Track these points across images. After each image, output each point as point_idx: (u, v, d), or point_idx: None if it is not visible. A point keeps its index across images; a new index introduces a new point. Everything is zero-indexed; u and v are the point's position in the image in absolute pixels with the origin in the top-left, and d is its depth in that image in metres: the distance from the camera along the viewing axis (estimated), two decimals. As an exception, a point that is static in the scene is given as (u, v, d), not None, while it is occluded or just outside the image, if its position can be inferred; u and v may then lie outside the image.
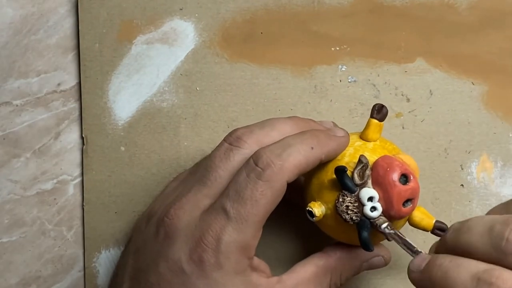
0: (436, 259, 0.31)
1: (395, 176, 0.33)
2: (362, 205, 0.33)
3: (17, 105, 0.41)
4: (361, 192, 0.33)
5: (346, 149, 0.35)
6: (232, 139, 0.34)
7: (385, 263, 0.37)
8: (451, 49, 0.41)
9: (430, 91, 0.42)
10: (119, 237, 0.41)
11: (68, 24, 0.41)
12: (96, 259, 0.41)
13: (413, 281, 0.32)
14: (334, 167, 0.33)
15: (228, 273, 0.31)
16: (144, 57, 0.42)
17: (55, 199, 0.41)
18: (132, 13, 0.41)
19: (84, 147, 0.41)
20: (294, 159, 0.32)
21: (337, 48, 0.42)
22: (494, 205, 0.41)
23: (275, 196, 0.32)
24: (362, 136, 0.36)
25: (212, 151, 0.35)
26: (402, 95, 0.42)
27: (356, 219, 0.33)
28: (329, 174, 0.34)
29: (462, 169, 0.41)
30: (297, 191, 0.36)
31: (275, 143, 0.33)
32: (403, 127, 0.41)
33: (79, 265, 0.41)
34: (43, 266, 0.41)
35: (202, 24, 0.42)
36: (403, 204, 0.33)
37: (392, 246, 0.36)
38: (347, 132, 0.36)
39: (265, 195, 0.31)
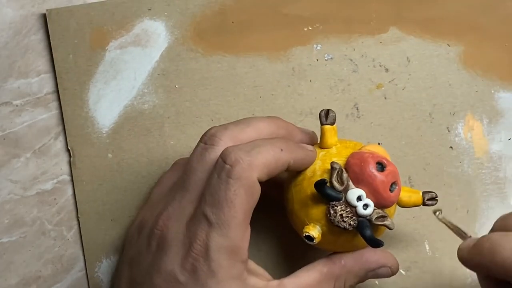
0: (484, 236, 0.31)
1: (372, 167, 0.33)
2: (353, 207, 0.32)
3: (17, 105, 0.41)
4: (348, 195, 0.32)
5: (314, 163, 0.35)
6: (206, 138, 0.34)
7: (392, 274, 0.36)
8: (422, 14, 0.41)
9: (407, 58, 0.42)
10: (118, 244, 0.41)
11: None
12: (98, 268, 0.41)
13: (461, 259, 0.33)
14: (311, 185, 0.33)
15: (223, 279, 0.31)
16: (119, 62, 0.41)
17: (55, 199, 0.41)
18: (102, 20, 0.41)
19: (72, 159, 0.41)
20: (263, 157, 0.32)
21: (310, 28, 0.42)
22: (485, 164, 0.41)
23: (249, 194, 0.31)
24: (322, 145, 0.36)
25: (191, 154, 0.34)
26: (380, 66, 0.42)
27: (354, 223, 0.32)
28: (309, 192, 0.34)
29: (449, 131, 0.41)
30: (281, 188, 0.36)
31: (244, 143, 0.33)
32: (385, 98, 0.42)
33: (79, 265, 0.41)
34: (43, 266, 0.41)
35: (172, 21, 0.42)
36: (390, 190, 0.33)
37: (394, 244, 0.37)
38: (315, 149, 0.35)
39: (238, 194, 0.31)
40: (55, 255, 0.41)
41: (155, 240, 0.33)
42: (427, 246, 0.41)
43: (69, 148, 0.41)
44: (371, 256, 0.35)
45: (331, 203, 0.32)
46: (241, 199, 0.31)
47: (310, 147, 0.35)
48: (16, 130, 0.41)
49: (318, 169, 0.34)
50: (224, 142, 0.33)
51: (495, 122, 0.41)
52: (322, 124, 0.35)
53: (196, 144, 0.34)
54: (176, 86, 0.41)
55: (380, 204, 0.33)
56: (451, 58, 0.41)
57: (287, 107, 0.41)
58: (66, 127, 0.41)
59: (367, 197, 0.33)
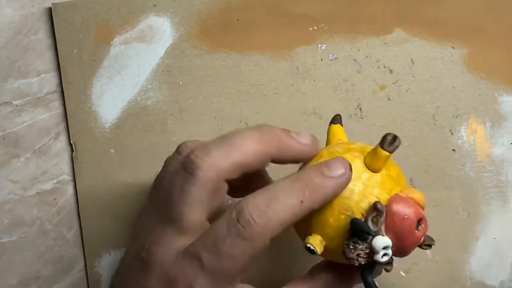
0: None
1: (413, 226, 0.30)
2: (374, 252, 0.30)
3: (17, 105, 0.41)
4: (375, 241, 0.30)
5: (354, 183, 0.31)
6: (185, 162, 0.31)
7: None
8: (427, 16, 0.41)
9: (412, 60, 0.42)
10: (118, 239, 0.41)
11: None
12: (97, 264, 0.41)
13: None
14: (341, 205, 0.31)
15: None
16: (123, 57, 0.41)
17: (55, 199, 0.41)
18: (107, 15, 0.41)
19: (74, 153, 0.41)
20: (279, 217, 0.29)
21: (315, 28, 0.42)
22: (487, 167, 0.41)
23: (255, 253, 0.29)
24: (368, 164, 0.32)
25: (172, 175, 0.32)
26: (384, 67, 0.42)
27: (364, 263, 0.30)
28: (336, 213, 0.31)
29: (452, 134, 0.41)
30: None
31: (261, 191, 0.30)
32: (388, 99, 0.42)
33: (79, 265, 0.41)
34: (43, 266, 0.41)
35: (178, 18, 0.42)
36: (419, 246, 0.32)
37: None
38: (348, 164, 0.31)
39: (244, 253, 0.29)
40: (55, 255, 0.41)
41: (141, 262, 0.31)
42: (427, 248, 0.41)
43: (71, 142, 0.41)
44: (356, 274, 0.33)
45: (355, 238, 0.30)
46: (246, 257, 0.29)
47: (340, 169, 0.31)
48: (16, 130, 0.41)
49: (356, 192, 0.31)
50: (204, 173, 0.30)
51: (498, 126, 0.41)
52: (382, 146, 0.32)
53: (173, 159, 0.32)
54: (180, 83, 0.41)
55: (399, 254, 0.32)
56: (455, 60, 0.41)
57: (291, 106, 0.41)
58: (69, 122, 0.41)
59: (391, 247, 0.30)
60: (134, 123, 0.41)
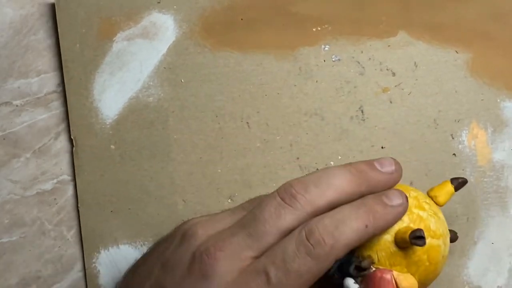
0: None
1: None
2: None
3: (17, 105, 0.41)
4: (347, 282, 0.33)
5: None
6: (285, 195, 0.33)
7: None
8: (432, 19, 0.41)
9: (415, 63, 0.42)
10: (117, 236, 0.41)
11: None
12: (95, 259, 0.41)
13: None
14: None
15: None
16: (126, 53, 0.41)
17: (55, 199, 0.41)
18: (110, 10, 0.41)
19: (74, 148, 0.41)
20: (346, 239, 0.31)
21: (319, 28, 0.41)
22: (487, 172, 0.41)
23: (320, 272, 0.31)
24: (432, 195, 0.35)
25: (264, 201, 0.33)
26: (387, 69, 0.42)
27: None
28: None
29: (453, 138, 0.41)
30: None
31: (329, 214, 0.32)
32: (391, 102, 0.41)
33: (79, 265, 0.41)
34: (43, 266, 0.41)
35: (181, 15, 0.41)
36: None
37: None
38: (405, 195, 0.34)
39: (310, 272, 0.31)
40: (55, 255, 0.41)
41: (200, 266, 0.32)
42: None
43: (72, 137, 0.41)
44: None
45: (348, 279, 0.33)
46: (312, 275, 0.31)
47: (399, 200, 0.34)
48: (16, 130, 0.41)
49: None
50: (302, 206, 0.32)
51: (499, 131, 0.41)
52: (453, 184, 0.36)
53: (272, 193, 0.34)
54: (182, 81, 0.41)
55: None
56: (458, 65, 0.41)
57: (292, 106, 0.41)
58: (69, 117, 0.41)
59: None
60: (135, 120, 0.41)
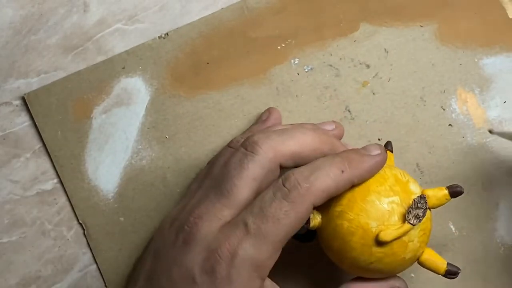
0: None
1: None
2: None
3: (17, 105, 0.41)
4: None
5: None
6: (247, 144, 0.34)
7: None
8: (388, 3, 0.41)
9: (385, 49, 0.42)
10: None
11: (68, 24, 0.41)
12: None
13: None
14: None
15: None
16: (107, 126, 0.42)
17: (55, 199, 0.41)
18: (80, 90, 0.41)
19: (85, 231, 0.41)
20: (322, 183, 0.32)
21: (283, 45, 0.42)
22: (487, 133, 0.41)
23: (298, 218, 0.32)
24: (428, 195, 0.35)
25: (227, 155, 0.35)
26: (360, 64, 0.42)
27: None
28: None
29: (444, 109, 0.41)
30: None
31: (305, 165, 0.33)
32: (373, 93, 0.41)
33: (79, 265, 0.41)
34: (43, 266, 0.41)
35: (148, 74, 0.42)
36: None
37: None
38: (383, 147, 0.35)
39: (288, 216, 0.31)
40: (55, 255, 0.41)
41: (183, 236, 0.33)
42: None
43: (80, 222, 0.41)
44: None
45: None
46: (289, 220, 0.31)
47: (376, 151, 0.34)
48: (16, 130, 0.41)
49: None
50: (264, 152, 0.33)
51: (486, 89, 0.41)
52: (450, 193, 0.35)
53: (232, 143, 0.35)
54: (166, 136, 0.41)
55: None
56: (427, 38, 0.41)
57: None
58: (72, 202, 0.41)
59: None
60: (135, 187, 0.41)
